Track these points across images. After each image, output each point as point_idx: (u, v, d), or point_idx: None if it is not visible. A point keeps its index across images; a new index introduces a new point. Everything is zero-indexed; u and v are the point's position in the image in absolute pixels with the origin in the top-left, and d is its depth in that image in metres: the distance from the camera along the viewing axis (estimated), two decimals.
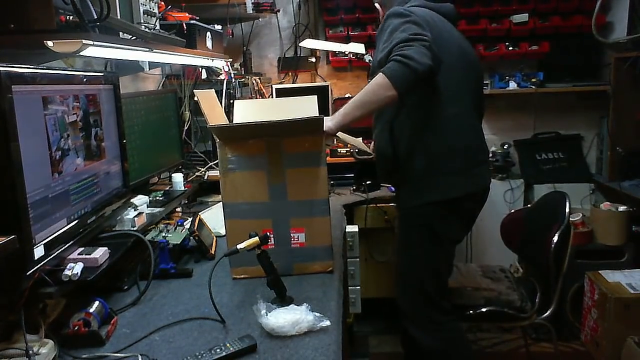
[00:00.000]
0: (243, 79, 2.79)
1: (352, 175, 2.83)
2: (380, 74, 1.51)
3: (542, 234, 2.01)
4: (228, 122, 1.70)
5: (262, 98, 2.89)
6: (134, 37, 1.45)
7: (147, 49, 1.50)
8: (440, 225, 1.73)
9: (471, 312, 2.01)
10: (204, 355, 1.08)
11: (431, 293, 1.79)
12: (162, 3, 1.71)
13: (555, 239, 1.90)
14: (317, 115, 1.51)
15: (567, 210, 1.95)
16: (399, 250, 1.90)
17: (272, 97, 2.97)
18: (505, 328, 2.66)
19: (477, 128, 1.79)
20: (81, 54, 1.14)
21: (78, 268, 1.21)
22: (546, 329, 2.62)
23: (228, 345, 1.11)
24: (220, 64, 2.49)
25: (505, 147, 3.18)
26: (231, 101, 2.54)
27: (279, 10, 3.06)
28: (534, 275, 2.33)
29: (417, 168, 1.70)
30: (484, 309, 2.01)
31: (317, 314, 1.20)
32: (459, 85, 1.70)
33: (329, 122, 1.56)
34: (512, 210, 2.45)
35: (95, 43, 1.12)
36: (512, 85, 3.05)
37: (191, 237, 1.68)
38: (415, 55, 1.47)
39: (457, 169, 1.69)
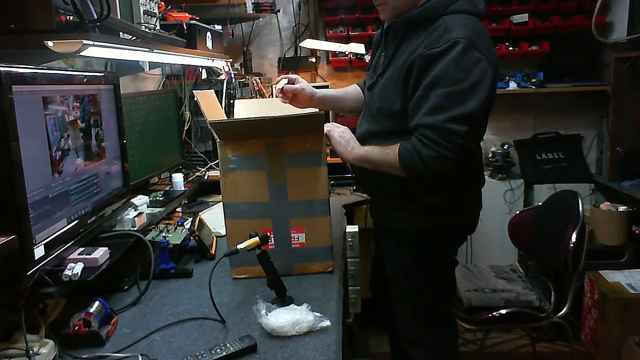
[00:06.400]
0: (243, 79, 2.79)
1: (352, 175, 2.83)
2: (398, 158, 1.40)
3: (556, 233, 2.01)
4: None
5: (262, 98, 2.89)
6: (134, 37, 1.45)
7: (147, 49, 1.50)
8: (452, 247, 1.68)
9: (491, 314, 2.01)
10: (204, 355, 1.08)
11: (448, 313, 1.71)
12: (162, 3, 1.72)
13: (574, 238, 1.91)
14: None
15: (581, 208, 1.96)
16: (409, 275, 1.64)
17: (272, 97, 2.97)
18: (524, 329, 2.65)
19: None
20: (81, 54, 1.14)
21: (78, 268, 1.21)
22: (545, 329, 2.63)
23: (228, 345, 1.11)
24: (220, 64, 2.49)
25: (505, 147, 3.18)
26: (231, 101, 2.54)
27: (279, 11, 3.06)
28: (545, 274, 2.34)
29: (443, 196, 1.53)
30: (503, 311, 2.01)
31: (317, 314, 1.20)
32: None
33: (344, 150, 1.51)
34: (518, 211, 2.44)
35: (95, 43, 1.12)
36: (512, 85, 3.05)
37: (191, 237, 1.67)
38: (433, 163, 1.36)
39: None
